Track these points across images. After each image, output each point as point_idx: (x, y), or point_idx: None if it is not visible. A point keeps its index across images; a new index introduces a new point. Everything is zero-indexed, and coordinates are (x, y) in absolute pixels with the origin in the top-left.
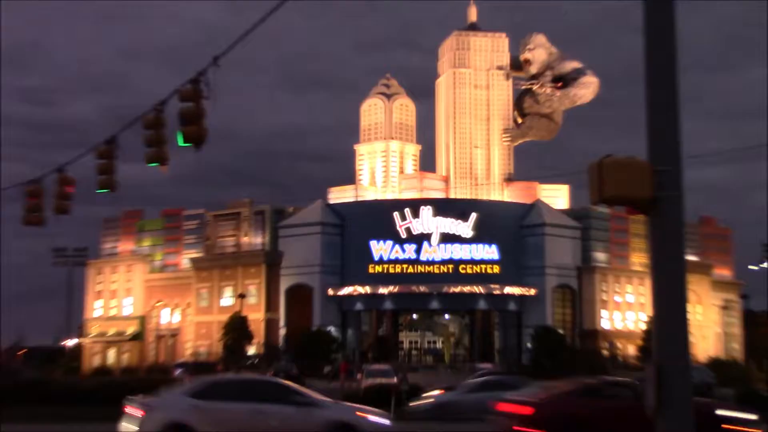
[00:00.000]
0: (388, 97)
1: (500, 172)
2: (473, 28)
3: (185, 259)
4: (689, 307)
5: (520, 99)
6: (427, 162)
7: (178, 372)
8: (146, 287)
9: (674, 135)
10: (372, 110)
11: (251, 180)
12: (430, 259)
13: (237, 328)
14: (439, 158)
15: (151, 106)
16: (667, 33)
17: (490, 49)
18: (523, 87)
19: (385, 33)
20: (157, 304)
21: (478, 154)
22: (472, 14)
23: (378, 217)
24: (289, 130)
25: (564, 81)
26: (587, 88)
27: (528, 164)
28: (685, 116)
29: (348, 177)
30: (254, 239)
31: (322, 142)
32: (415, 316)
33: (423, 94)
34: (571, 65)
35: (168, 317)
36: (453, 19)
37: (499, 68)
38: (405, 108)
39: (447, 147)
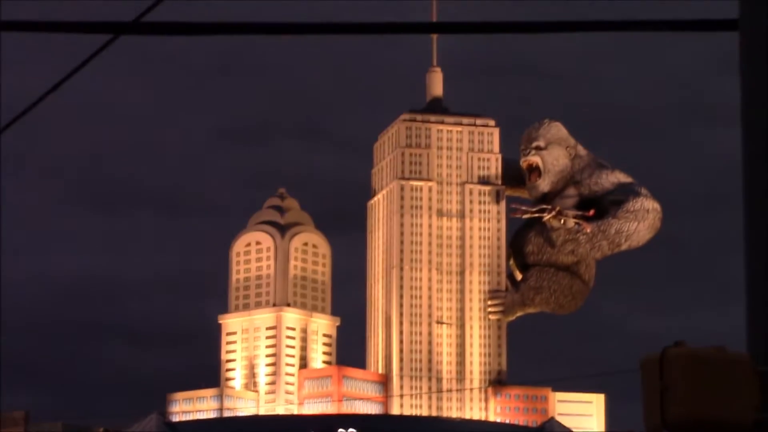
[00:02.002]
0: (282, 230)
1: (483, 369)
2: (436, 107)
3: None
4: None
5: (520, 238)
6: (353, 348)
7: None
8: None
9: None
10: (251, 253)
11: (26, 376)
12: None
13: None
14: (374, 342)
15: None
16: None
17: (466, 147)
18: (526, 216)
19: (270, 113)
20: None
21: (444, 335)
22: (435, 83)
23: None
24: (98, 284)
25: (600, 207)
26: (643, 220)
27: (534, 355)
28: None
29: (206, 372)
30: None
31: (159, 305)
32: None
33: (346, 225)
34: (613, 178)
35: None
36: (399, 93)
37: (484, 182)
38: (312, 250)
39: (387, 322)
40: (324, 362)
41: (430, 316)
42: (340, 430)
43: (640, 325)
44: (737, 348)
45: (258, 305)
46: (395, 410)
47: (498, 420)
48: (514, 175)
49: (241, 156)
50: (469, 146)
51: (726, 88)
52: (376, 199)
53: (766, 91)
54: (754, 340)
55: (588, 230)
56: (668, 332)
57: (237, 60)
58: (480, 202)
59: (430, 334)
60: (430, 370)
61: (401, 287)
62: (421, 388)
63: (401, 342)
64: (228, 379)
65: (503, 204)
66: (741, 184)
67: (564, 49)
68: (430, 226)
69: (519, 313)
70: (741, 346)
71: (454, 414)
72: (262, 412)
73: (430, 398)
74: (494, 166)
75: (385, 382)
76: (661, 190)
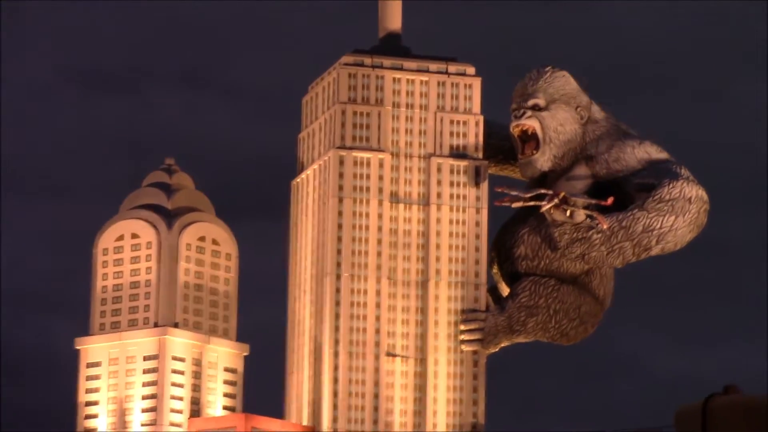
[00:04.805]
0: (169, 217)
1: (452, 421)
2: (392, 47)
3: None
4: None
5: (508, 236)
6: (266, 389)
7: None
8: None
9: None
10: (123, 251)
11: None
12: None
13: None
14: (296, 380)
15: None
16: None
17: (433, 104)
18: (517, 205)
19: (151, 50)
20: None
21: (397, 372)
22: (392, 13)
23: None
24: None
25: (622, 194)
26: (682, 213)
27: (522, 401)
28: None
29: (56, 418)
30: None
31: None
32: None
33: (260, 212)
34: (642, 153)
35: None
36: (339, 26)
37: (458, 155)
38: (211, 248)
39: (317, 352)
40: (225, 408)
41: (377, 345)
42: None
43: (671, 361)
44: None
45: (132, 325)
46: None
47: None
48: (501, 146)
49: (107, 109)
50: (438, 103)
51: None
52: (303, 176)
53: None
54: None
55: (605, 226)
56: (707, 372)
57: None
58: (452, 184)
59: (376, 370)
60: (375, 422)
61: (337, 303)
62: None
63: (335, 381)
64: (88, 430)
65: (485, 187)
66: None
67: None
68: (380, 216)
69: (504, 343)
70: None
71: None
72: None
73: None
74: (473, 132)
75: None
76: (707, 172)
